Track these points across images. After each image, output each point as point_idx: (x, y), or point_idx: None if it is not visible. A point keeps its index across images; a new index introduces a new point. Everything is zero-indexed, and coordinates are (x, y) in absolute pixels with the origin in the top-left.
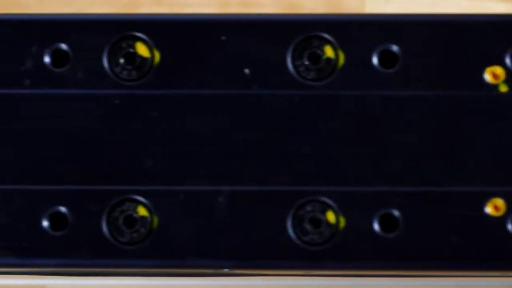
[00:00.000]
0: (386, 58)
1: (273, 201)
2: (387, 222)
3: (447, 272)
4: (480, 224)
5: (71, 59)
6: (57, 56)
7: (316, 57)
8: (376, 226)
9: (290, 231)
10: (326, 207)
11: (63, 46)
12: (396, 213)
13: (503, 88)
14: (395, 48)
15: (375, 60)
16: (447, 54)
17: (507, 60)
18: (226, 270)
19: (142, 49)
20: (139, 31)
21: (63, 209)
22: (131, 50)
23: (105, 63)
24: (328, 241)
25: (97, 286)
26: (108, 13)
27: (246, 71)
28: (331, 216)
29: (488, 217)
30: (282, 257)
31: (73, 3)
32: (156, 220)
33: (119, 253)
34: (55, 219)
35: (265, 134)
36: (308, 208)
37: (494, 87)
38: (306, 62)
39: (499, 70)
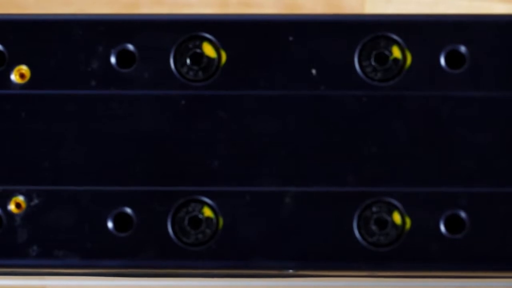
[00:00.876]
0: (454, 58)
1: (339, 202)
2: (453, 223)
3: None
4: None
5: (138, 60)
6: (124, 56)
7: (383, 58)
8: (442, 227)
9: (356, 232)
10: (392, 208)
11: (130, 46)
12: (462, 214)
13: None
14: (462, 48)
15: (442, 60)
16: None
17: None
18: (291, 271)
19: (208, 50)
20: (206, 32)
21: (128, 210)
22: (198, 50)
23: (172, 63)
24: (394, 242)
25: (97, 286)
26: (175, 13)
27: (313, 71)
28: (397, 217)
29: None
30: (347, 258)
31: (72, 3)
32: (221, 221)
33: (184, 254)
34: (120, 220)
35: (331, 135)
36: (374, 209)
37: None
38: (373, 63)
39: None
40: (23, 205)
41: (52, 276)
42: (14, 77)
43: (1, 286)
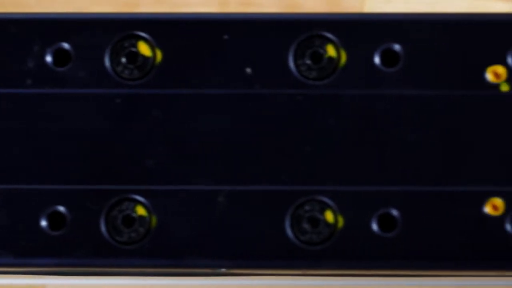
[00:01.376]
0: (388, 57)
1: (272, 200)
2: (386, 222)
3: (445, 272)
4: (479, 224)
5: (73, 58)
6: (59, 55)
7: (318, 56)
8: (374, 226)
9: (289, 230)
10: (324, 207)
11: (65, 45)
12: (394, 212)
13: (505, 88)
14: (397, 47)
15: (377, 59)
16: (448, 53)
17: (509, 60)
18: (224, 270)
19: (144, 48)
20: (141, 30)
21: (61, 208)
22: (133, 49)
23: (107, 62)
24: (327, 240)
25: (97, 286)
26: (110, 12)
27: (248, 70)
28: (329, 216)
29: (486, 216)
30: (280, 256)
31: (72, 2)
32: (154, 220)
33: (117, 252)
34: (54, 218)
35: (265, 134)
36: (307, 207)
37: (496, 86)
38: (308, 61)
39: (500, 70)
40: None
41: (52, 276)
42: None
43: (1, 286)
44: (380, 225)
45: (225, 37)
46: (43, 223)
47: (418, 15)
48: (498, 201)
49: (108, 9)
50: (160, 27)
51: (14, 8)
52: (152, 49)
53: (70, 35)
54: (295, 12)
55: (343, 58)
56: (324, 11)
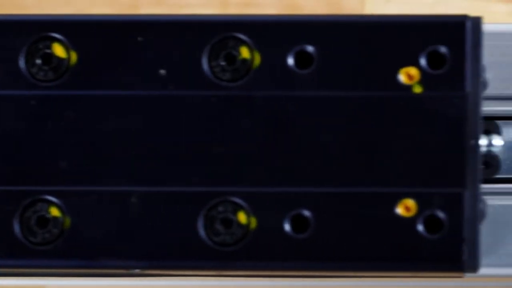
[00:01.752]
0: (302, 58)
1: (186, 202)
2: (298, 223)
3: (358, 272)
4: (391, 225)
5: None
6: None
7: (232, 58)
8: (287, 227)
9: (202, 231)
10: (237, 208)
11: None
12: (307, 213)
13: (418, 89)
14: (310, 48)
15: (290, 60)
16: (362, 55)
17: (422, 61)
18: (137, 271)
19: (58, 50)
20: (56, 32)
21: None
22: (48, 51)
23: (22, 64)
24: (240, 241)
25: (97, 286)
26: (25, 14)
27: (162, 71)
28: (242, 217)
29: (399, 217)
30: (193, 257)
31: (72, 4)
32: (68, 221)
33: (31, 253)
34: None
35: (179, 135)
36: (220, 208)
37: (409, 87)
38: (222, 63)
39: (413, 71)
40: None
41: (52, 276)
42: None
43: (1, 286)
44: (292, 226)
45: (140, 38)
46: None
47: (332, 17)
48: (410, 202)
49: (107, 11)
50: (74, 28)
51: (14, 9)
52: (67, 50)
53: None
54: (220, 14)
55: (257, 59)
56: (324, 12)
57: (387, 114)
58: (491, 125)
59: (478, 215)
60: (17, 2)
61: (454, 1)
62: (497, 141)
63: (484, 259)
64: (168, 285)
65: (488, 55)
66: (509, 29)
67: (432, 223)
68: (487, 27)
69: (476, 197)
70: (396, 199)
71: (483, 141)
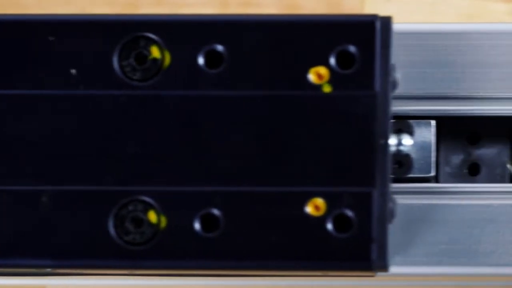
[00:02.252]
0: (212, 58)
1: (96, 201)
2: (208, 222)
3: (268, 271)
4: (301, 224)
5: None
6: None
7: (142, 57)
8: (197, 226)
9: (112, 230)
10: (147, 207)
11: None
12: (216, 212)
13: (327, 89)
14: (220, 48)
15: (201, 60)
16: (272, 54)
17: (331, 61)
18: (48, 270)
19: None
20: None
21: None
22: None
23: None
24: (150, 240)
25: (96, 286)
26: None
27: (73, 71)
28: (152, 216)
29: (308, 216)
30: (104, 256)
31: (72, 3)
32: None
33: None
34: None
35: (90, 134)
36: (130, 207)
37: (318, 87)
38: (133, 62)
39: (323, 71)
40: None
41: (52, 276)
42: None
43: (1, 286)
44: (202, 225)
45: (51, 38)
46: None
47: (241, 16)
48: (320, 202)
49: (108, 10)
50: None
51: (15, 9)
52: None
53: None
54: (131, 13)
55: (167, 59)
56: (324, 12)
57: (297, 113)
58: (404, 124)
59: (387, 214)
60: (18, 2)
61: (454, 1)
62: (407, 141)
63: (395, 258)
64: (168, 285)
65: (488, 55)
66: (509, 28)
67: (341, 222)
68: (487, 26)
69: (386, 196)
70: (306, 198)
71: (393, 141)
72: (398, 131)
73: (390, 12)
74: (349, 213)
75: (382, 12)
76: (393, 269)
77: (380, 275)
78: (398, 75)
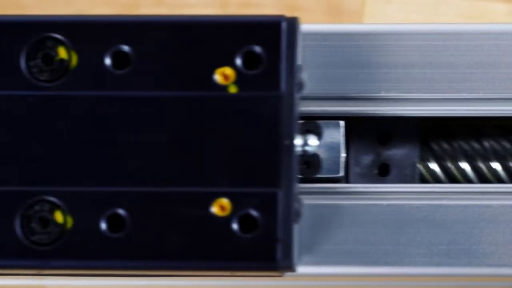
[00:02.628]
0: (119, 59)
1: (2, 201)
2: (114, 222)
3: (173, 272)
4: (207, 224)
5: None
6: None
7: (49, 58)
8: (103, 226)
9: (19, 231)
10: (54, 207)
11: None
12: (123, 213)
13: (233, 89)
14: (126, 48)
15: (107, 60)
16: (178, 55)
17: (238, 61)
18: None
19: None
20: None
21: None
22: None
23: None
24: (56, 240)
25: (97, 286)
26: None
27: None
28: (59, 216)
29: (214, 217)
30: (10, 256)
31: (72, 4)
32: None
33: None
34: None
35: (2, 135)
36: (37, 208)
37: (224, 88)
38: (40, 63)
39: (229, 71)
40: None
41: (52, 276)
42: None
43: (1, 286)
44: (108, 225)
45: None
46: None
47: (148, 17)
48: (225, 202)
49: (107, 11)
50: None
51: (14, 9)
52: None
53: None
54: (39, 14)
55: (74, 60)
56: (324, 12)
57: (203, 114)
58: (313, 125)
59: (293, 214)
60: (18, 2)
61: (454, 1)
62: (313, 141)
63: (304, 257)
64: (168, 285)
65: (488, 55)
66: (509, 29)
67: (246, 223)
68: (487, 27)
69: (291, 196)
70: (211, 198)
71: (298, 141)
72: (307, 132)
73: (390, 12)
74: (254, 213)
75: (382, 12)
76: (302, 269)
77: (288, 275)
78: (305, 75)
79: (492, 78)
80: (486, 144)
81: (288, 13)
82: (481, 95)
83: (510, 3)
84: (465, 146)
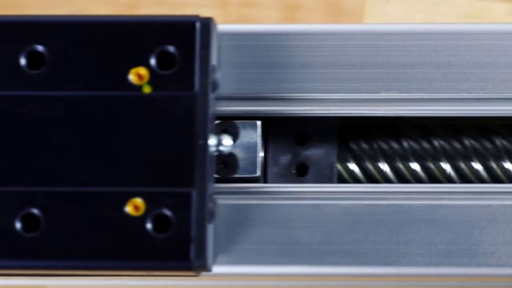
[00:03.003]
0: (33, 59)
1: None
2: (29, 222)
3: (89, 271)
4: (121, 224)
5: None
6: None
7: None
8: (18, 225)
9: None
10: None
11: None
12: (37, 212)
13: (147, 89)
14: (41, 49)
15: (22, 60)
16: (93, 55)
17: (152, 61)
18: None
19: None
20: None
21: None
22: None
23: None
24: None
25: (97, 286)
26: None
27: None
28: None
29: (128, 216)
30: None
31: (73, 4)
32: None
33: None
34: None
35: None
36: None
37: (139, 87)
38: None
39: (143, 71)
40: None
41: (52, 276)
42: None
43: (1, 286)
44: (23, 224)
45: None
46: None
47: (63, 17)
48: (139, 202)
49: (107, 11)
50: None
51: (14, 9)
52: None
53: None
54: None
55: None
56: (324, 11)
57: (117, 114)
58: (229, 125)
59: (207, 214)
60: (18, 2)
61: (454, 1)
62: (227, 141)
63: (220, 257)
64: (168, 285)
65: (488, 55)
66: (509, 29)
67: (160, 222)
68: (487, 26)
69: (205, 196)
70: (125, 198)
71: (212, 141)
72: (225, 132)
73: (391, 11)
74: (168, 213)
75: (382, 11)
76: (217, 269)
77: (205, 275)
78: (219, 75)
79: (491, 78)
80: (405, 144)
81: (288, 12)
82: (481, 95)
83: (510, 3)
84: (384, 146)
